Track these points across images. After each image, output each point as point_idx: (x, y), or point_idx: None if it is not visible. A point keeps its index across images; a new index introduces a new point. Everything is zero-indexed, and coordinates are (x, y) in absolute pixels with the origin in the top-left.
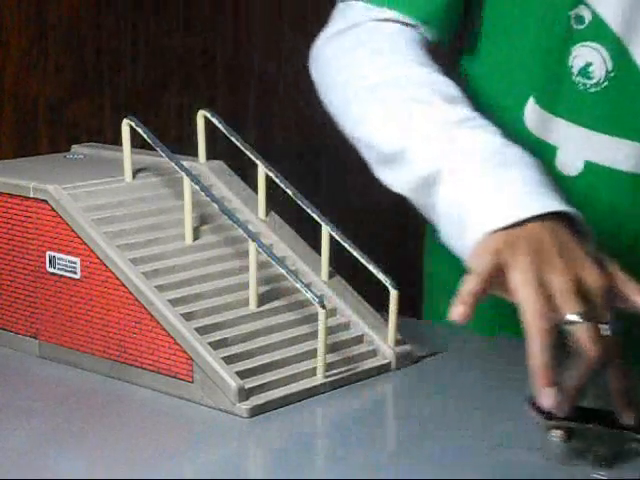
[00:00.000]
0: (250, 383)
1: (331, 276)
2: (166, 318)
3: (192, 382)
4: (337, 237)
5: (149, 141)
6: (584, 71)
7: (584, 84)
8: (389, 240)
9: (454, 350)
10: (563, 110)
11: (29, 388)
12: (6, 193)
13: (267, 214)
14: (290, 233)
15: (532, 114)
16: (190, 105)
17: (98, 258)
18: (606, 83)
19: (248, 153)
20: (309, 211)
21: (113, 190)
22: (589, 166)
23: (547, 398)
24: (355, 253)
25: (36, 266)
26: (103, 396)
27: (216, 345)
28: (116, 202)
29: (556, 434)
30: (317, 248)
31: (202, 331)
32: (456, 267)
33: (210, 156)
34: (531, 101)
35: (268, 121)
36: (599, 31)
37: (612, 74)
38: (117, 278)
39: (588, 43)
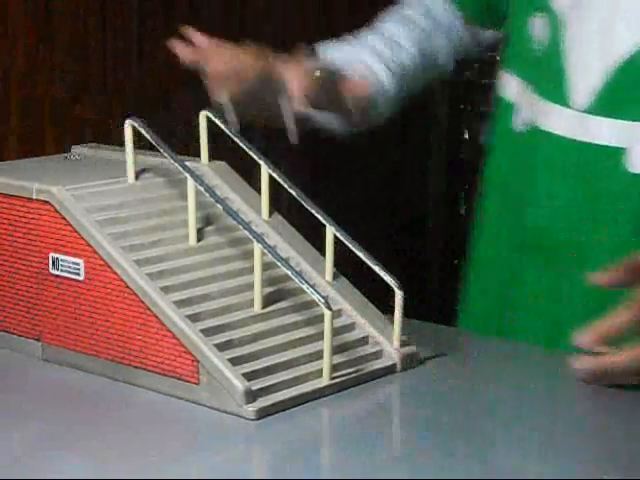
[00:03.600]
0: (256, 385)
1: (335, 277)
2: (171, 320)
3: (198, 384)
4: (341, 237)
5: (152, 142)
6: None
7: None
8: (393, 240)
9: (459, 351)
10: None
11: (32, 391)
12: (9, 194)
13: (270, 215)
14: (294, 234)
15: None
16: (197, 105)
17: (102, 259)
18: None
19: (251, 153)
20: (313, 211)
21: (116, 191)
22: None
23: None
24: (360, 254)
25: (39, 268)
26: (107, 399)
27: (222, 347)
28: (120, 203)
29: None
30: (321, 249)
31: (207, 333)
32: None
33: (215, 156)
34: None
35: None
36: None
37: None
38: (121, 280)
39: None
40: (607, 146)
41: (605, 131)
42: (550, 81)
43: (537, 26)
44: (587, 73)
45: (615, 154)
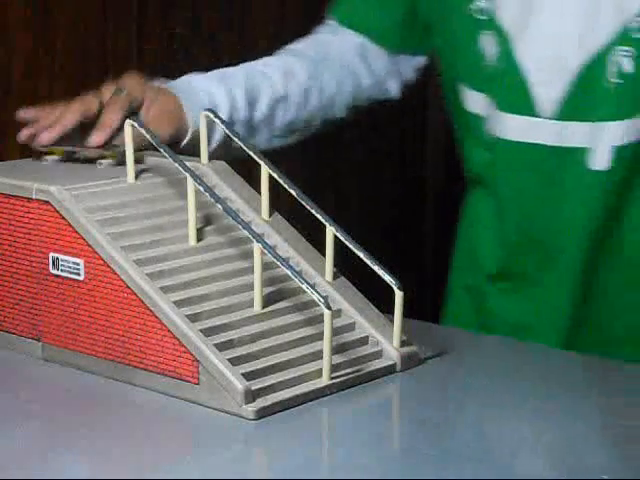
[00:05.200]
0: (256, 385)
1: (335, 277)
2: (171, 320)
3: (198, 384)
4: (341, 237)
5: (152, 142)
6: None
7: None
8: (393, 240)
9: (459, 351)
10: None
11: (32, 391)
12: (8, 194)
13: (270, 215)
14: (293, 234)
15: None
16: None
17: (102, 259)
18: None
19: (251, 153)
20: (313, 211)
21: (116, 191)
22: None
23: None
24: (360, 254)
25: (39, 268)
26: (107, 398)
27: (222, 347)
28: (119, 203)
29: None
30: (321, 249)
31: (207, 332)
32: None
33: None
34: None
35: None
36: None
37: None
38: (121, 279)
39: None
40: (574, 147)
41: (572, 134)
42: (511, 94)
43: (485, 43)
44: (548, 85)
45: (580, 154)
